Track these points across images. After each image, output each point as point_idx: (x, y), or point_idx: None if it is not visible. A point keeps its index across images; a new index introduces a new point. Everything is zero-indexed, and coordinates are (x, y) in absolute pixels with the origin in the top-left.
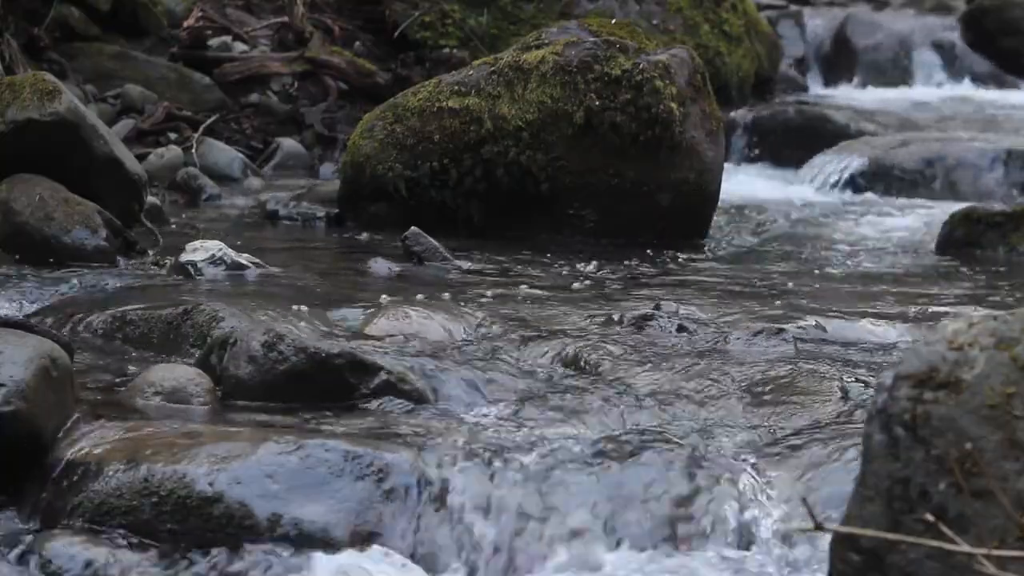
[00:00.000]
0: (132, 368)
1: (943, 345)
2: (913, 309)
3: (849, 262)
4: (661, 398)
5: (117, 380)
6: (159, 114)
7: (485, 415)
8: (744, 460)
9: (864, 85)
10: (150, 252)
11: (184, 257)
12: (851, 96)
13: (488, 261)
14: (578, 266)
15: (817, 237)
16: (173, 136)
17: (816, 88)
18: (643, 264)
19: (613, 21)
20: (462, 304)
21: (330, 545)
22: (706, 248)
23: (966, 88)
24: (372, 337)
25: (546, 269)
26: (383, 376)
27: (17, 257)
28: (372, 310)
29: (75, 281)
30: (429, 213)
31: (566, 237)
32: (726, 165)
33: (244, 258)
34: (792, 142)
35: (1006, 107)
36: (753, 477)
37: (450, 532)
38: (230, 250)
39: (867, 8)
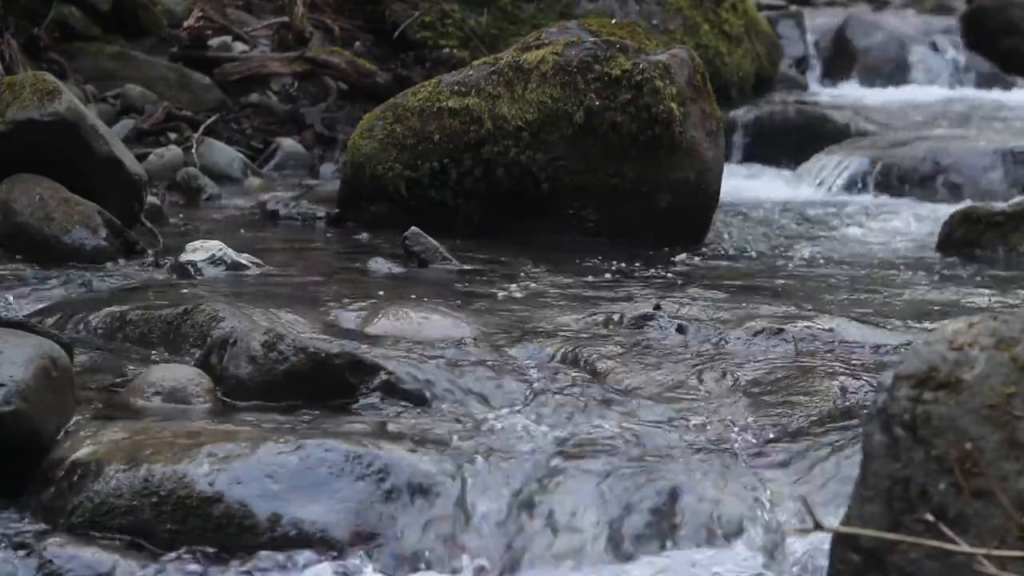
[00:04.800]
0: (132, 368)
1: (943, 345)
2: (913, 309)
3: (849, 262)
4: (661, 398)
5: (117, 380)
6: (159, 114)
7: (485, 415)
8: (743, 460)
9: (864, 85)
10: (150, 252)
11: (184, 257)
12: (851, 96)
13: (488, 261)
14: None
15: (817, 237)
16: (173, 136)
17: (816, 88)
18: (643, 264)
19: (613, 21)
20: (462, 304)
21: (330, 545)
22: (706, 248)
23: (966, 88)
24: (372, 337)
25: (546, 269)
26: (383, 376)
27: (17, 257)
28: (372, 310)
29: (75, 281)
30: (429, 213)
31: (566, 237)
32: (726, 165)
33: (244, 258)
34: (792, 142)
35: (1006, 107)
36: (752, 477)
37: (450, 532)
38: (230, 250)
39: (867, 8)
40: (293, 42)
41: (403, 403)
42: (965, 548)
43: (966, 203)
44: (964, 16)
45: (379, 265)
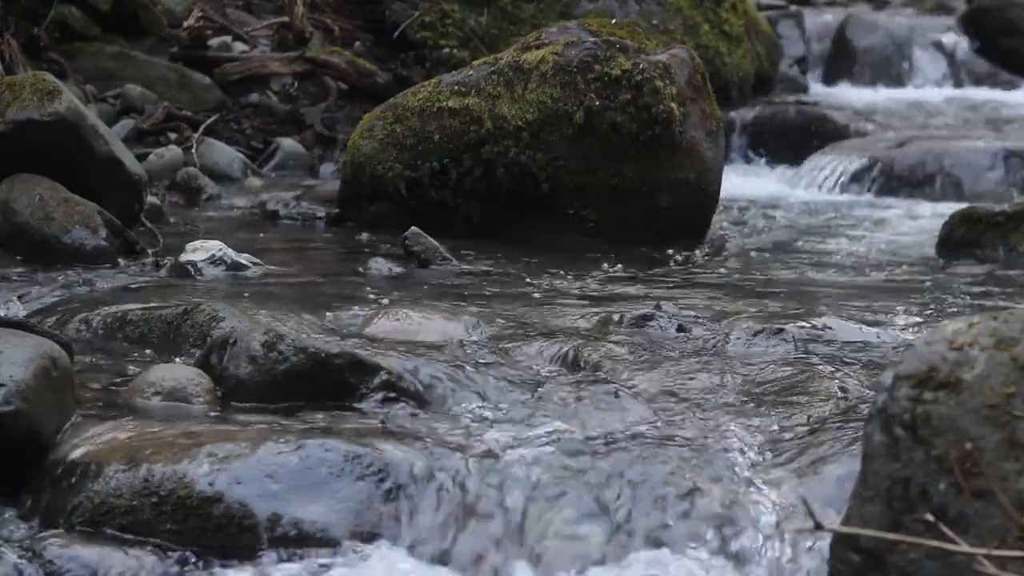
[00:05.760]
0: (132, 368)
1: (943, 345)
2: (913, 309)
3: (849, 262)
4: (661, 398)
5: (117, 380)
6: (159, 114)
7: (485, 415)
8: (744, 460)
9: (864, 85)
10: (150, 252)
11: (184, 257)
12: (851, 96)
13: (488, 261)
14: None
15: (817, 237)
16: (173, 136)
17: (816, 88)
18: (643, 264)
19: (613, 21)
20: (462, 304)
21: (330, 545)
22: (706, 248)
23: (966, 88)
24: (372, 337)
25: (546, 269)
26: (383, 376)
27: (17, 257)
28: (372, 310)
29: (75, 281)
30: (429, 213)
31: (566, 237)
32: (726, 165)
33: (244, 258)
34: (792, 142)
35: (1006, 107)
36: (753, 477)
37: (450, 532)
38: (230, 250)
39: (867, 8)
40: (293, 42)
41: (403, 403)
42: (965, 548)
43: (966, 203)
44: (964, 16)
45: (379, 265)
